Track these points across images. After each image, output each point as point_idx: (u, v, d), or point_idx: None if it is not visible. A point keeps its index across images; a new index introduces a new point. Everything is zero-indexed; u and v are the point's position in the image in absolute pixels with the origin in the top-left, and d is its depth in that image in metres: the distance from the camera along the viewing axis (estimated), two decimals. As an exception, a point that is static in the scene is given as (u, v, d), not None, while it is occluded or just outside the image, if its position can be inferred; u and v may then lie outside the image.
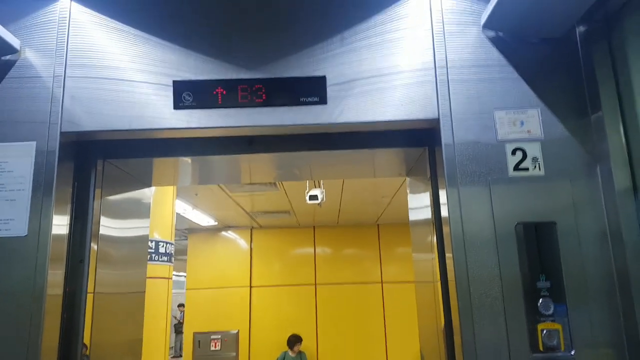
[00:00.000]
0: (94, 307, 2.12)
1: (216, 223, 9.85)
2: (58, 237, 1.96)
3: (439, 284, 2.05)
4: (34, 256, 1.87)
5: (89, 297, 2.09)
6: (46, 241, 1.89)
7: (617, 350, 1.79)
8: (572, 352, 1.79)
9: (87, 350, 2.06)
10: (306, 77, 2.06)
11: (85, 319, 2.06)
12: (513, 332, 1.81)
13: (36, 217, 1.90)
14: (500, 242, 1.87)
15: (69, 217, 2.06)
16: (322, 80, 2.05)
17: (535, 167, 1.92)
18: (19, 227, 1.89)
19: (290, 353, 9.55)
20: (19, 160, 1.96)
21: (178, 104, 2.05)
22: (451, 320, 1.96)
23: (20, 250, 1.88)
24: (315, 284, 10.37)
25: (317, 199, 6.45)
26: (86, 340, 2.05)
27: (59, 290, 1.98)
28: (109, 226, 2.27)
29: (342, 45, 2.09)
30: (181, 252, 12.72)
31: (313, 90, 2.04)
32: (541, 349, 1.79)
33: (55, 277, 1.94)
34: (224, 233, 10.54)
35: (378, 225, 10.61)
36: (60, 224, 1.99)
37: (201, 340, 9.85)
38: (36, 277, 1.86)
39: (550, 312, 1.80)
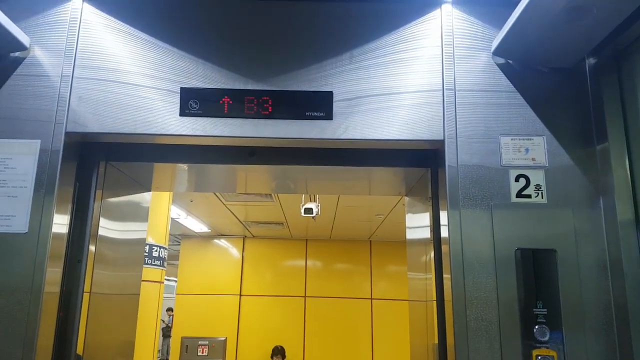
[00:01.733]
0: (89, 307, 2.11)
1: (209, 230, 9.81)
2: (58, 235, 1.95)
3: (434, 303, 2.05)
4: (33, 254, 1.86)
5: (85, 296, 2.08)
6: (46, 239, 1.88)
7: (612, 382, 1.79)
8: (566, 381, 1.79)
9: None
10: (313, 91, 2.07)
11: (81, 319, 2.05)
12: (508, 356, 1.80)
13: (37, 215, 1.90)
14: (500, 267, 1.87)
15: (69, 217, 2.05)
16: (329, 95, 2.06)
17: (538, 194, 1.93)
18: (19, 224, 1.88)
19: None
20: (22, 158, 1.95)
21: (184, 111, 2.05)
22: (445, 340, 1.95)
23: (20, 247, 1.87)
24: (305, 296, 10.32)
25: (312, 213, 6.42)
26: (80, 340, 2.04)
27: (56, 289, 1.97)
28: (108, 227, 2.26)
29: (351, 63, 2.09)
30: (171, 257, 12.66)
31: (320, 105, 2.05)
32: (535, 375, 1.79)
33: (53, 276, 1.93)
34: (216, 241, 10.49)
35: (370, 241, 10.57)
36: (60, 223, 1.98)
37: (189, 345, 9.77)
38: (35, 275, 1.85)
39: (546, 338, 1.80)
